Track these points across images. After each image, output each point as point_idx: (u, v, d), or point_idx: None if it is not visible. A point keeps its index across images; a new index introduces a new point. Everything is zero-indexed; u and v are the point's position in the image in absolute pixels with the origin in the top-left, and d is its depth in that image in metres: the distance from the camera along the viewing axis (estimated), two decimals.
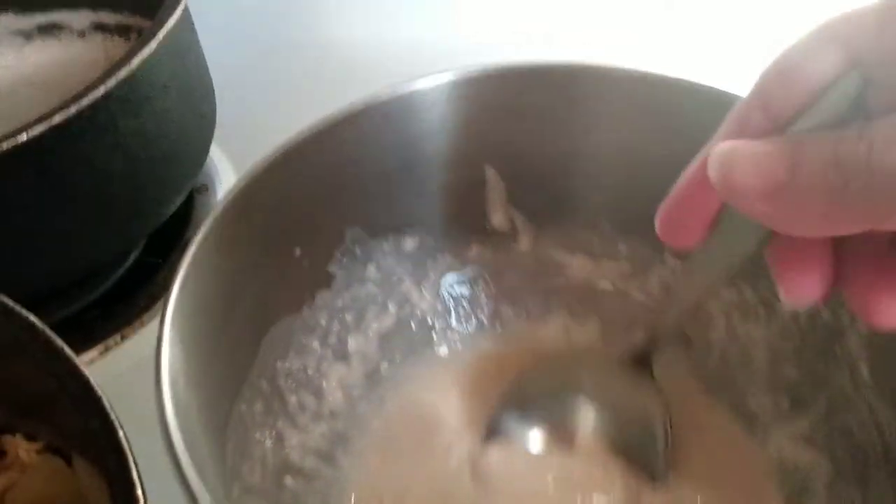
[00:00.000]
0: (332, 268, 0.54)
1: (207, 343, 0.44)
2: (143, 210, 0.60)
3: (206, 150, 0.66)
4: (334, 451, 0.53)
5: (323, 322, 0.54)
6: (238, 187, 0.46)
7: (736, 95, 0.48)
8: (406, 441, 0.55)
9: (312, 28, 0.96)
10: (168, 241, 0.68)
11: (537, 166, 0.56)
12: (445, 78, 0.52)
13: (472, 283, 0.59)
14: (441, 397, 0.57)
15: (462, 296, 0.59)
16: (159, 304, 0.53)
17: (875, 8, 0.29)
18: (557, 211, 0.58)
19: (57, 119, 0.49)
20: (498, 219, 0.58)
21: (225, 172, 0.75)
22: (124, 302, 0.63)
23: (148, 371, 0.38)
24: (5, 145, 0.48)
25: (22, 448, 0.44)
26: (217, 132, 0.68)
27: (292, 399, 0.52)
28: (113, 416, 0.35)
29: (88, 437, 0.35)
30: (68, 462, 0.43)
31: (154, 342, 0.39)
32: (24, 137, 0.48)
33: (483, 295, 0.59)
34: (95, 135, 0.53)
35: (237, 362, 0.48)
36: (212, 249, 0.44)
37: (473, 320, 0.59)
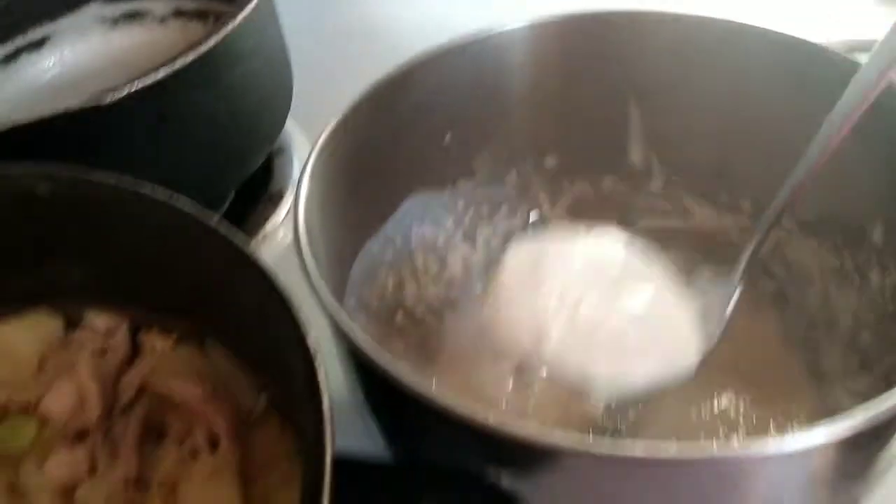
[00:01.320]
0: (476, 163, 0.63)
1: (348, 185, 0.54)
2: (240, 156, 0.70)
3: (287, 108, 0.75)
4: (443, 311, 0.62)
5: (460, 207, 0.64)
6: (397, 68, 0.56)
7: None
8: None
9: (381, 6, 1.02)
10: (252, 199, 0.77)
11: (677, 114, 0.62)
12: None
13: (598, 208, 0.66)
14: None
15: (587, 219, 0.66)
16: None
17: None
18: (690, 160, 0.63)
19: (178, 64, 0.59)
20: (636, 155, 0.64)
21: (299, 141, 0.84)
22: None
23: None
24: (134, 86, 0.57)
25: (158, 341, 0.54)
26: (292, 107, 0.75)
27: (419, 259, 0.62)
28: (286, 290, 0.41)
29: (262, 314, 0.43)
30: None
31: None
32: (149, 80, 0.58)
33: (606, 221, 0.66)
34: (204, 84, 0.63)
35: (375, 212, 0.59)
36: (365, 113, 0.55)
37: None
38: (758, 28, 0.57)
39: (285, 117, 0.75)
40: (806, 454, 0.37)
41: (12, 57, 0.83)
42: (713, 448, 0.34)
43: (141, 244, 0.50)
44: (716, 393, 0.58)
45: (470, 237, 0.65)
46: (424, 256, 0.62)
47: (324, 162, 0.51)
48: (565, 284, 0.54)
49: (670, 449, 0.34)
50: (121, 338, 0.55)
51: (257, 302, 0.44)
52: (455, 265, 0.64)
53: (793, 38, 0.57)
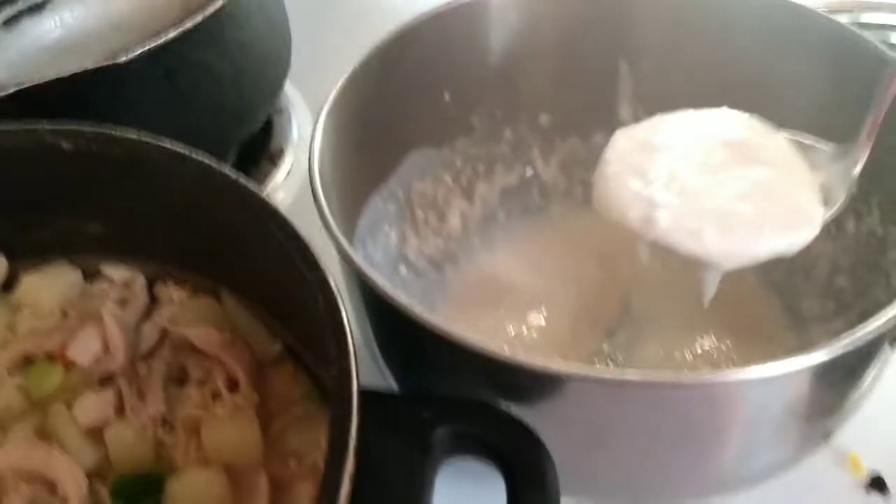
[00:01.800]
0: (474, 120, 0.66)
1: (354, 141, 0.57)
2: (243, 113, 0.72)
3: (286, 67, 0.77)
4: (443, 263, 0.65)
5: (458, 164, 0.67)
6: (400, 28, 0.59)
7: None
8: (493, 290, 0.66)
9: None
10: (252, 158, 0.79)
11: (665, 68, 0.65)
12: None
13: (591, 164, 0.69)
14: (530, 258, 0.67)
15: (579, 175, 0.69)
16: None
17: None
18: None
19: (188, 24, 0.62)
20: (626, 113, 0.67)
21: (297, 102, 0.86)
22: None
23: None
24: (146, 46, 0.60)
25: (174, 292, 0.57)
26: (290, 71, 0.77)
27: (419, 213, 0.65)
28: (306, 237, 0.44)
29: (279, 262, 0.45)
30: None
31: None
32: (161, 39, 0.60)
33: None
34: (211, 43, 0.65)
35: (379, 167, 0.61)
36: (372, 71, 0.57)
37: (583, 197, 0.69)
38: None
39: (285, 76, 0.77)
40: (785, 380, 0.41)
41: (14, 20, 0.85)
42: (704, 374, 0.38)
43: (160, 199, 0.52)
44: (698, 336, 0.62)
45: (467, 193, 0.68)
46: (425, 211, 0.65)
47: (333, 118, 0.53)
48: (678, 157, 0.54)
49: (666, 374, 0.38)
50: (138, 289, 0.57)
51: (276, 251, 0.47)
52: (454, 220, 0.67)
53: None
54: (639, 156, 0.55)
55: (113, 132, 0.51)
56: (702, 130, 0.56)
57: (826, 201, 0.53)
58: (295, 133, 0.82)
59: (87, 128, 0.51)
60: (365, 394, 0.39)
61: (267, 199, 0.47)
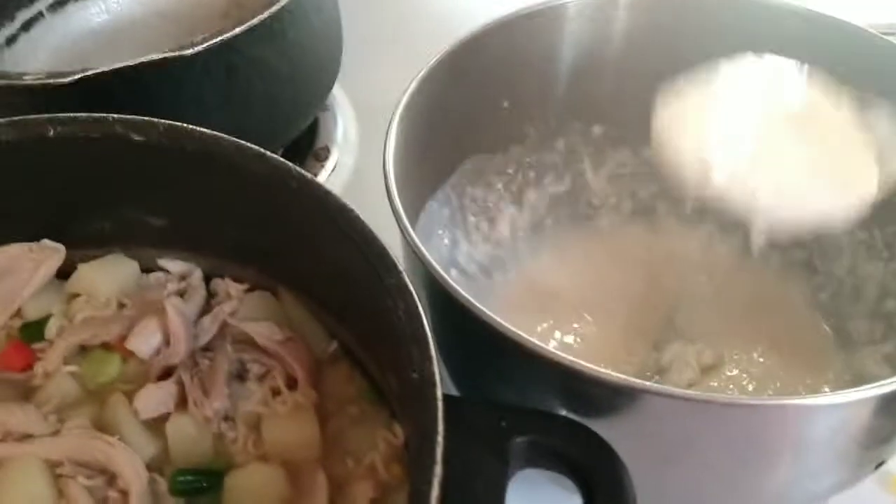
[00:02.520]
0: (529, 129, 0.66)
1: (416, 147, 0.57)
2: (295, 110, 0.73)
3: (337, 68, 0.78)
4: (492, 269, 0.66)
5: (510, 170, 0.67)
6: (466, 38, 0.59)
7: None
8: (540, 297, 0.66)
9: None
10: (297, 154, 0.80)
11: None
12: None
13: (640, 176, 0.70)
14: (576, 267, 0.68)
15: (627, 186, 0.70)
16: None
17: None
18: None
19: (253, 21, 0.62)
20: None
21: (342, 102, 0.86)
22: None
23: None
24: (211, 40, 0.60)
25: (232, 287, 0.57)
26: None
27: (471, 218, 0.66)
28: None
29: (347, 262, 0.46)
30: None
31: None
32: (226, 34, 0.61)
33: (646, 190, 0.70)
34: (271, 41, 0.66)
35: (436, 172, 0.62)
36: (437, 79, 0.58)
37: (631, 208, 0.70)
38: (800, 9, 0.60)
39: (336, 76, 0.78)
40: (854, 407, 0.41)
41: (60, 4, 0.85)
42: (781, 397, 0.39)
43: (228, 195, 0.52)
44: (745, 352, 0.63)
45: (518, 200, 0.68)
46: (476, 216, 0.66)
47: (402, 123, 0.54)
48: (734, 117, 0.54)
49: (739, 396, 0.38)
50: (196, 282, 0.58)
51: (347, 253, 0.47)
52: (503, 226, 0.67)
53: (832, 18, 0.60)
54: (696, 112, 0.56)
55: (186, 128, 0.51)
56: (759, 86, 0.56)
57: (882, 162, 0.53)
58: (340, 131, 0.83)
59: (160, 121, 0.51)
60: (446, 399, 0.39)
61: (344, 202, 0.47)
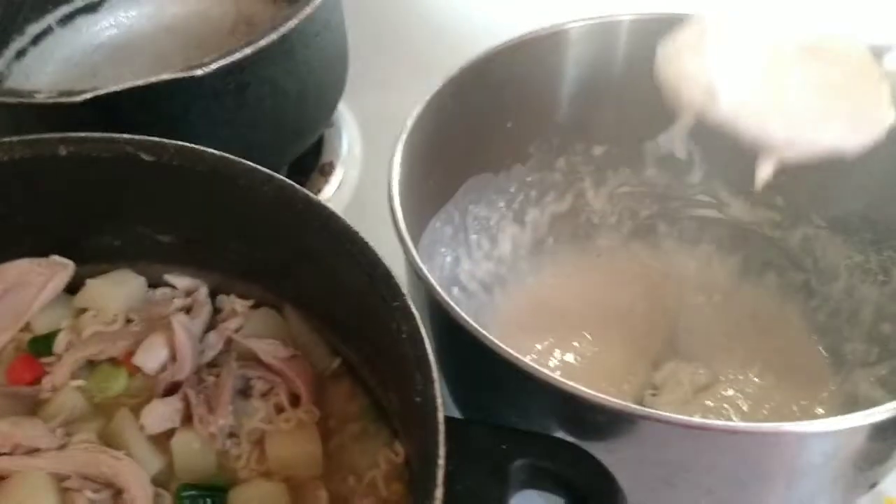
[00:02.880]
0: (531, 148, 0.67)
1: (420, 167, 0.58)
2: (302, 128, 0.75)
3: (342, 87, 0.78)
4: (493, 286, 0.67)
5: (512, 189, 0.68)
6: (472, 61, 0.60)
7: None
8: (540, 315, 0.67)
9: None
10: (302, 170, 0.81)
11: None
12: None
13: (639, 196, 0.70)
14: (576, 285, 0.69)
15: (627, 206, 0.71)
16: None
17: None
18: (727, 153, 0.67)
19: (262, 42, 0.63)
20: (679, 148, 0.68)
21: (347, 119, 0.87)
22: None
23: None
24: (223, 59, 0.61)
25: (237, 304, 0.58)
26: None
27: (473, 237, 0.66)
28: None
29: (352, 283, 0.47)
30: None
31: None
32: (237, 54, 0.61)
33: (646, 209, 0.71)
34: (282, 60, 0.67)
35: (439, 191, 0.63)
36: (445, 101, 0.59)
37: (631, 228, 0.71)
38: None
39: (341, 95, 0.79)
40: (853, 433, 0.42)
41: (69, 18, 0.86)
42: (781, 424, 0.39)
43: (236, 214, 0.53)
44: (741, 373, 0.63)
45: (519, 219, 0.69)
46: (478, 234, 0.67)
47: (407, 144, 0.55)
48: (747, 45, 0.53)
49: (736, 422, 0.39)
50: (202, 298, 0.58)
51: (351, 274, 0.48)
52: (505, 244, 0.68)
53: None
54: (706, 42, 0.54)
55: (197, 148, 0.52)
56: (773, 26, 0.55)
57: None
58: (345, 147, 0.84)
59: (170, 141, 0.53)
60: (448, 421, 0.40)
61: (348, 224, 0.48)
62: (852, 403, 0.58)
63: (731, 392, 0.63)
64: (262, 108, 0.67)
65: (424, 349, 0.42)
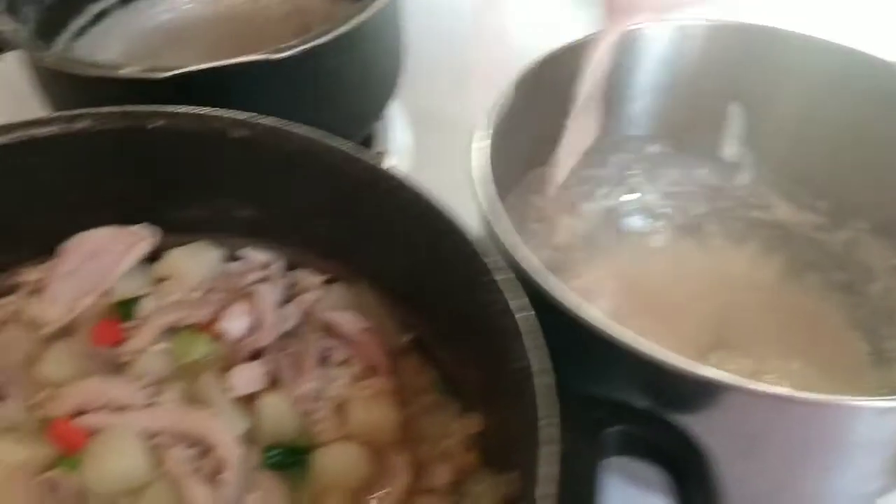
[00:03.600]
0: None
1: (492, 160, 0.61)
2: (361, 117, 0.78)
3: (397, 79, 0.81)
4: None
5: (570, 182, 0.70)
6: (540, 60, 0.63)
7: None
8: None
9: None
10: None
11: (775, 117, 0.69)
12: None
13: (690, 195, 0.73)
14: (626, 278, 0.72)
15: (679, 204, 0.74)
16: None
17: None
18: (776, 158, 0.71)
19: (338, 31, 0.66)
20: (730, 151, 0.71)
21: (395, 112, 0.89)
22: None
23: None
24: (298, 47, 0.63)
25: (313, 279, 0.60)
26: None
27: (533, 225, 0.69)
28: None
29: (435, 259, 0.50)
30: None
31: None
32: (312, 42, 0.64)
33: (696, 208, 0.74)
34: (350, 50, 0.70)
35: (505, 182, 0.65)
36: (511, 98, 0.61)
37: (681, 225, 0.74)
38: (860, 53, 0.65)
39: (395, 87, 0.82)
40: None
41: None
42: (866, 398, 0.43)
43: (320, 192, 0.56)
44: (785, 364, 0.66)
45: (574, 210, 0.72)
46: (537, 223, 0.69)
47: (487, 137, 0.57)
48: None
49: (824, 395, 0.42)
50: (278, 271, 0.61)
51: (439, 250, 0.51)
52: (561, 234, 0.71)
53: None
54: None
55: (283, 127, 0.55)
56: None
57: None
58: (395, 139, 0.86)
59: (259, 120, 0.55)
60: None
61: (440, 204, 0.50)
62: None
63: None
64: (327, 95, 0.70)
65: (532, 317, 0.44)
